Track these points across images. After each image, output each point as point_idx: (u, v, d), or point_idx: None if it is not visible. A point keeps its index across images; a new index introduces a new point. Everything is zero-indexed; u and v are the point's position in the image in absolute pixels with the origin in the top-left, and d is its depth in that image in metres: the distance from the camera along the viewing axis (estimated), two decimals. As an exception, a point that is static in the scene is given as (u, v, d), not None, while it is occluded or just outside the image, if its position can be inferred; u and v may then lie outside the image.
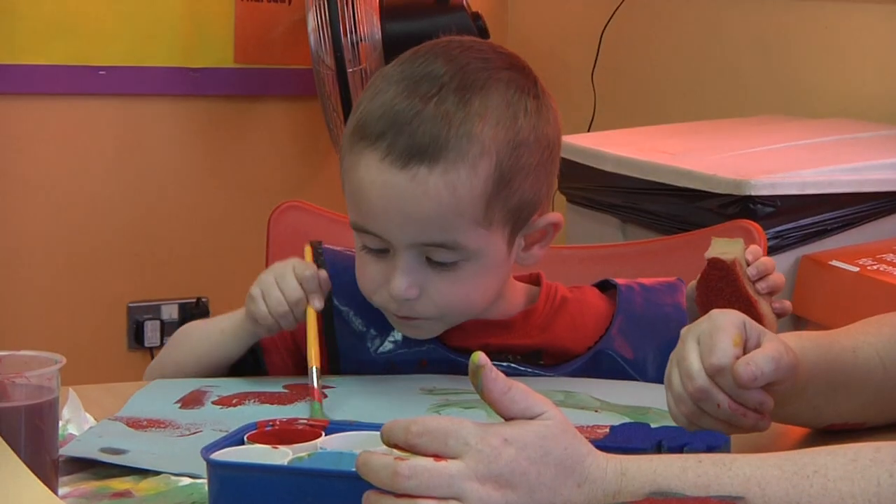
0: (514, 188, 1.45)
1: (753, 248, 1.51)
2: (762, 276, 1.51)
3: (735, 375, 1.15)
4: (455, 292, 1.47)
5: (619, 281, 1.62)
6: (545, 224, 1.52)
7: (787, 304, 1.53)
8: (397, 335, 1.55)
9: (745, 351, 1.18)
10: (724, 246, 1.48)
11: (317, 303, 1.50)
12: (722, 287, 1.46)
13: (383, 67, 1.51)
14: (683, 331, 1.23)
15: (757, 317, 1.45)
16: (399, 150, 1.41)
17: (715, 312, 1.21)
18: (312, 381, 1.45)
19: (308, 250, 1.59)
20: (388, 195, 1.42)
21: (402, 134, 1.42)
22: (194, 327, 1.61)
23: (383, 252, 1.47)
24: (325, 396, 1.43)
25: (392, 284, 1.46)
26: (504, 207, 1.45)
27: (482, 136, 1.43)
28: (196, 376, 1.55)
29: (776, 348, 1.18)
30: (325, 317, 1.53)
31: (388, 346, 1.56)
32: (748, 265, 1.49)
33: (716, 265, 1.46)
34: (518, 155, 1.45)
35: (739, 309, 1.44)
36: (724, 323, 1.19)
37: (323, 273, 1.52)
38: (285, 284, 1.50)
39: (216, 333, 1.56)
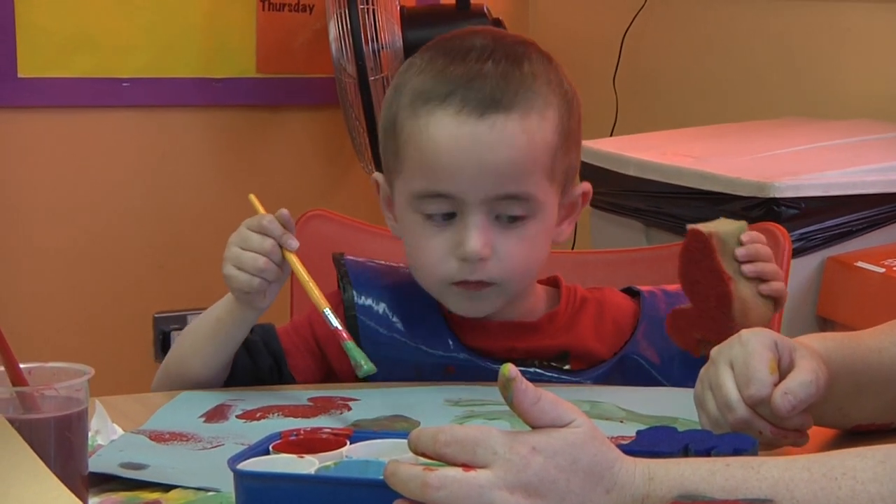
0: (569, 147, 1.52)
1: (753, 233, 1.47)
2: (751, 260, 1.46)
3: (774, 408, 1.16)
4: (520, 251, 1.50)
5: (643, 287, 1.62)
6: (579, 193, 1.57)
7: (777, 285, 1.44)
8: (423, 343, 1.55)
9: (780, 371, 1.18)
10: (724, 224, 1.46)
11: (291, 243, 1.49)
12: (700, 259, 1.43)
13: (410, 58, 1.56)
14: (713, 352, 1.22)
15: (726, 293, 1.41)
16: (474, 102, 1.47)
17: (745, 334, 1.21)
18: (331, 323, 1.46)
19: (254, 199, 1.56)
20: (465, 147, 1.46)
21: (472, 89, 1.48)
22: (190, 328, 1.59)
23: (450, 217, 1.49)
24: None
25: (467, 244, 1.48)
26: (562, 164, 1.52)
27: (543, 91, 1.50)
28: (202, 372, 1.54)
29: (810, 369, 1.18)
30: (350, 327, 1.52)
31: (414, 353, 1.56)
32: (741, 245, 1.45)
33: (695, 236, 1.44)
34: (571, 115, 1.52)
35: (712, 283, 1.42)
36: (758, 347, 1.18)
37: (283, 211, 1.50)
38: (249, 243, 1.48)
39: (213, 323, 1.54)
